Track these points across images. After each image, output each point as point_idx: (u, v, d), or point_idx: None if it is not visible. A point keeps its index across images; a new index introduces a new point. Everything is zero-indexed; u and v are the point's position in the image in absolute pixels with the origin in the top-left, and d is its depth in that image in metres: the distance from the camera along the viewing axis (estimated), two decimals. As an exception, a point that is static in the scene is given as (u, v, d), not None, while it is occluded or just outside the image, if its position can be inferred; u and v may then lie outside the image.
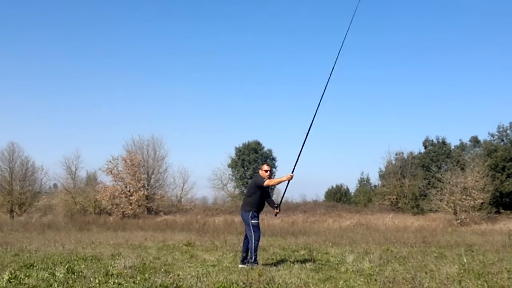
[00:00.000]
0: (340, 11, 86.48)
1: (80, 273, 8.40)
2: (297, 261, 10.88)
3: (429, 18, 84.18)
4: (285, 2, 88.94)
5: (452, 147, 44.32)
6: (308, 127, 9.99)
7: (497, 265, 10.28)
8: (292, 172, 9.60)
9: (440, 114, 79.90)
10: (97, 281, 7.58)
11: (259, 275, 7.68)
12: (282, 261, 10.84)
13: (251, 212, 9.74)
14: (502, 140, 41.88)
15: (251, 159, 53.69)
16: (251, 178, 53.04)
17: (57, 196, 48.37)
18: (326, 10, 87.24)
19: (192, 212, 42.01)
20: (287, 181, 9.73)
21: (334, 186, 52.32)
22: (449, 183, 36.45)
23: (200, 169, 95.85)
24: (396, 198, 43.52)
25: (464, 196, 35.55)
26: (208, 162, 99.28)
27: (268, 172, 9.90)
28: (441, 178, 37.58)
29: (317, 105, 10.19)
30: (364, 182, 52.04)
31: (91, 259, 10.91)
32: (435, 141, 44.67)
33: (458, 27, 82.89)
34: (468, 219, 34.81)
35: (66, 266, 9.05)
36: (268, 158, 55.06)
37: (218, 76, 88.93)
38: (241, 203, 10.15)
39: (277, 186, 10.75)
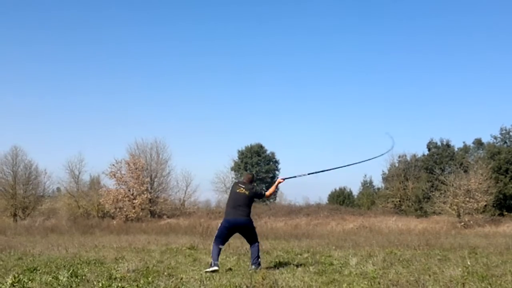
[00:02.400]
0: (343, 12, 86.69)
1: (84, 277, 8.41)
2: (301, 264, 10.87)
3: (433, 20, 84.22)
4: (288, 4, 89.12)
5: (456, 149, 44.29)
6: None
7: (501, 267, 10.25)
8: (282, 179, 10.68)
9: (444, 117, 79.90)
10: (100, 284, 7.58)
11: (262, 278, 7.67)
12: (285, 264, 10.83)
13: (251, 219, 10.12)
14: (505, 143, 41.84)
15: (254, 162, 53.74)
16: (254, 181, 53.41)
17: (60, 199, 48.40)
18: (329, 12, 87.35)
19: (195, 215, 41.95)
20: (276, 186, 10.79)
21: (337, 189, 52.29)
22: (453, 185, 36.39)
23: (203, 172, 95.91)
24: (400, 201, 43.45)
25: (468, 199, 35.49)
26: (211, 165, 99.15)
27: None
28: (444, 181, 37.53)
29: None
30: (367, 185, 52.00)
31: (95, 262, 10.91)
32: (439, 143, 44.64)
33: (462, 28, 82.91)
34: (471, 222, 34.75)
35: (70, 270, 9.05)
36: (271, 161, 55.05)
37: (220, 79, 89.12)
38: (241, 212, 9.93)
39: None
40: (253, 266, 9.80)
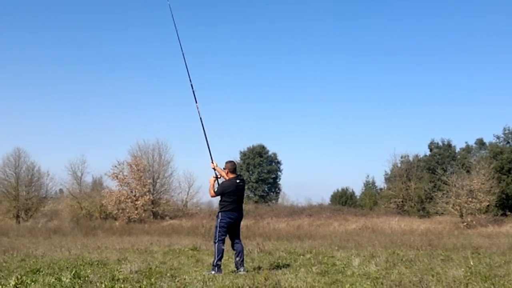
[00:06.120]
0: (345, 13, 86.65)
1: (86, 278, 8.42)
2: (303, 265, 10.87)
3: (433, 20, 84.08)
4: (289, 6, 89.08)
5: (458, 149, 44.20)
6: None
7: (504, 267, 10.24)
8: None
9: (446, 117, 79.72)
10: (103, 286, 7.59)
11: (265, 279, 7.67)
12: (288, 265, 10.83)
13: None
14: (508, 142, 41.71)
15: (256, 163, 53.71)
16: (256, 182, 53.20)
17: (63, 201, 48.45)
18: (330, 13, 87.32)
19: (198, 217, 41.98)
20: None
21: (340, 189, 52.22)
22: (455, 185, 36.33)
23: (205, 173, 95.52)
24: (402, 201, 43.37)
25: (470, 199, 35.41)
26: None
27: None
28: (447, 181, 37.47)
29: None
30: (369, 185, 51.91)
31: (97, 264, 10.94)
32: (440, 143, 44.56)
33: (463, 28, 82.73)
34: (474, 222, 34.68)
35: (73, 271, 9.07)
36: (273, 162, 55.06)
37: (222, 80, 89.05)
38: (238, 207, 9.86)
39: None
40: (242, 268, 9.61)
